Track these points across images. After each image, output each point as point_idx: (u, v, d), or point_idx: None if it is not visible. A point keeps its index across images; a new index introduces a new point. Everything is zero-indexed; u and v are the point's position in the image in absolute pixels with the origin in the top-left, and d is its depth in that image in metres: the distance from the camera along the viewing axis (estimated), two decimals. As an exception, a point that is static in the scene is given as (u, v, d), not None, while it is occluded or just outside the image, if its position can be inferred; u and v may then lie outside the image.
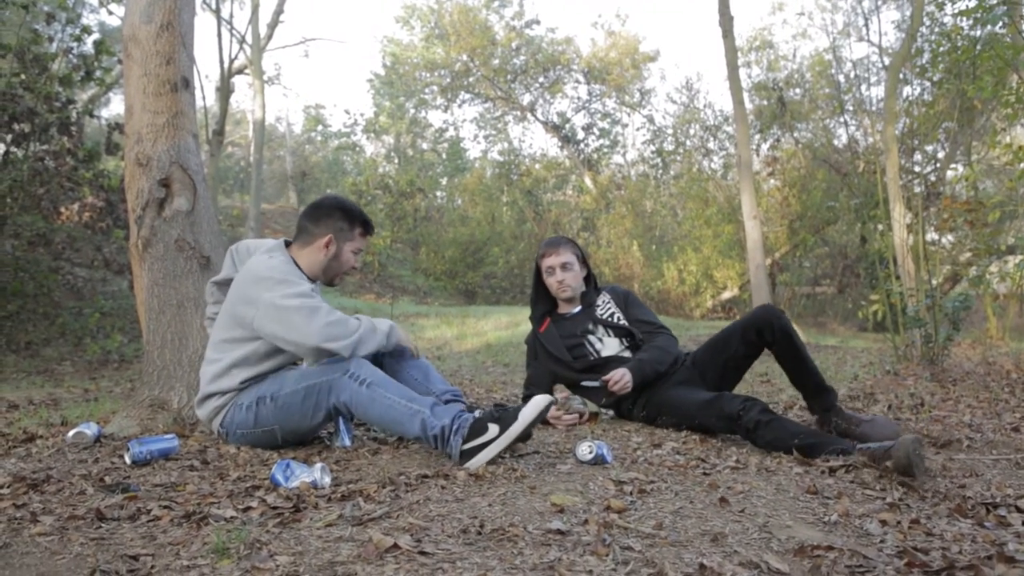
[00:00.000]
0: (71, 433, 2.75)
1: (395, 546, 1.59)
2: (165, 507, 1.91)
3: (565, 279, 3.37)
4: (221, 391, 2.67)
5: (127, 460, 2.41)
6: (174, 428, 2.90)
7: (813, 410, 3.05)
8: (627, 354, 3.31)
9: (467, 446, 2.32)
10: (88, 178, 8.00)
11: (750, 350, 3.16)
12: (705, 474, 2.33)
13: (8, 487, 2.12)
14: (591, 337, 3.36)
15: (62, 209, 8.23)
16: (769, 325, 3.02)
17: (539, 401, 2.36)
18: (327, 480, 2.10)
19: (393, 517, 1.82)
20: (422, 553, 1.57)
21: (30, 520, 1.84)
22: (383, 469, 2.35)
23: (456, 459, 2.34)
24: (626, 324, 3.38)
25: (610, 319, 3.38)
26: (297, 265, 2.75)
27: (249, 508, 1.89)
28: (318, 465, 2.15)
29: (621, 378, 3.05)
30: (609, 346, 3.34)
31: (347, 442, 2.72)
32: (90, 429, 2.75)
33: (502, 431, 2.31)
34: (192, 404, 3.05)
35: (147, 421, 2.98)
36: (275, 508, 1.88)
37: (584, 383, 3.26)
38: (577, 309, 3.47)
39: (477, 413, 2.40)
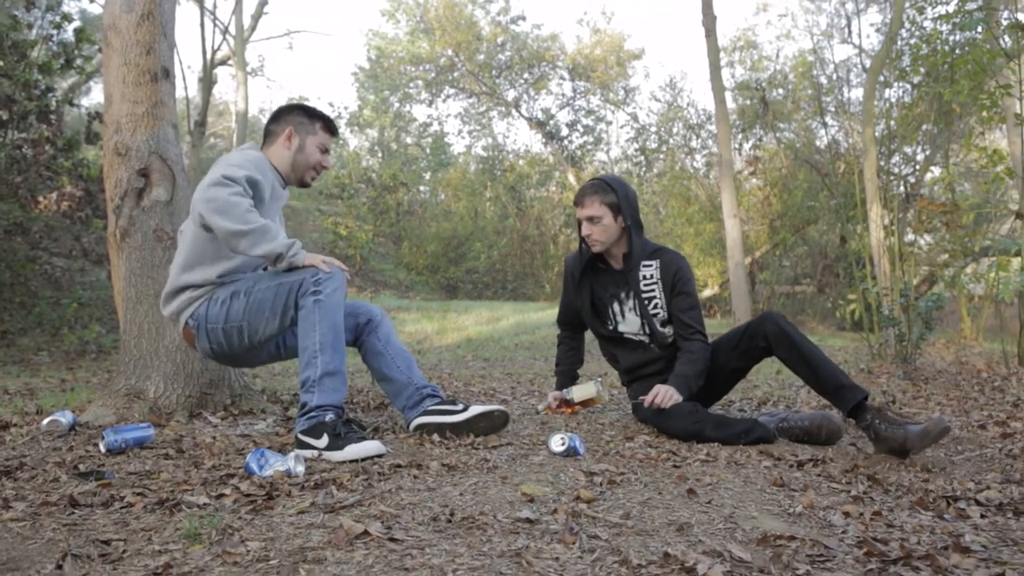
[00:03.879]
0: (45, 421, 2.75)
1: (365, 532, 1.61)
2: (139, 494, 1.92)
3: (592, 233, 3.01)
4: (196, 284, 2.68)
5: (102, 448, 2.42)
6: (150, 417, 2.91)
7: (843, 413, 2.81)
8: (643, 339, 3.07)
9: (302, 437, 2.43)
10: (67, 167, 7.94)
11: (742, 361, 3.03)
12: (675, 466, 2.37)
13: (-19, 474, 2.13)
14: (615, 305, 3.10)
15: (40, 198, 8.16)
16: (760, 330, 2.88)
17: (370, 447, 2.38)
18: (301, 469, 2.12)
19: (365, 505, 1.84)
20: (392, 540, 1.60)
21: (2, 506, 1.85)
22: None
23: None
24: (656, 318, 3.04)
25: (646, 303, 3.04)
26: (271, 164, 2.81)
27: (222, 495, 1.91)
28: (292, 454, 2.17)
29: (664, 394, 2.78)
30: (629, 323, 3.09)
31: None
32: (65, 417, 2.76)
33: (326, 449, 2.38)
34: (168, 393, 3.06)
35: (123, 410, 2.98)
36: (248, 495, 1.90)
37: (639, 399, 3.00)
38: (619, 267, 3.11)
39: (329, 417, 2.44)
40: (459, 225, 17.64)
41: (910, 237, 10.73)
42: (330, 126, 2.91)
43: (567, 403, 3.23)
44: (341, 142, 25.19)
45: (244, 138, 16.43)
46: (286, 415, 3.20)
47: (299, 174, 2.86)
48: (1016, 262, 6.91)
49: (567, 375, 3.36)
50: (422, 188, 22.02)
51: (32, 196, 7.87)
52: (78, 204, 8.22)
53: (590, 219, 2.99)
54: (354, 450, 2.35)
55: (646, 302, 3.03)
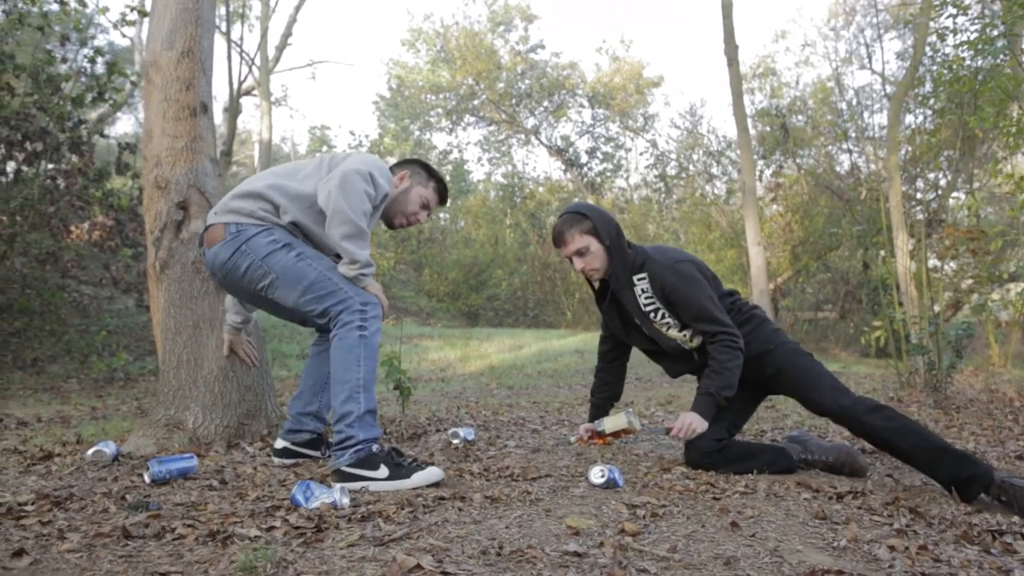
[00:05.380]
0: (90, 451, 2.79)
1: (418, 566, 1.63)
2: (189, 526, 1.95)
3: (586, 266, 2.88)
4: (274, 203, 2.68)
5: (146, 479, 2.45)
6: (190, 448, 2.94)
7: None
8: (685, 338, 2.91)
9: (351, 470, 2.43)
10: (98, 197, 8.07)
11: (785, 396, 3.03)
12: (715, 498, 2.37)
13: (32, 504, 2.16)
14: (636, 321, 2.98)
15: (72, 228, 8.29)
16: (832, 418, 2.75)
17: (434, 474, 2.43)
18: (346, 501, 2.14)
19: (413, 538, 1.86)
20: (444, 574, 1.61)
21: (57, 537, 1.88)
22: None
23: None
24: (670, 328, 2.91)
25: (652, 315, 2.90)
26: None
27: (272, 528, 1.93)
28: (338, 486, 2.19)
29: (687, 425, 2.73)
30: (650, 333, 2.97)
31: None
32: (108, 448, 2.80)
33: (388, 479, 2.40)
34: (207, 424, 3.10)
35: (163, 440, 3.02)
36: (297, 528, 1.92)
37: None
38: (623, 288, 2.94)
39: (376, 448, 2.47)
40: (480, 252, 17.72)
41: (934, 263, 10.67)
42: (442, 192, 3.01)
43: (599, 435, 3.23)
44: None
45: (268, 166, 16.63)
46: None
47: (391, 213, 2.92)
48: (1045, 288, 6.85)
49: (600, 407, 3.32)
50: (442, 215, 22.13)
51: (64, 226, 8.00)
52: (108, 234, 8.34)
53: (579, 253, 2.87)
54: (420, 477, 2.40)
55: (652, 314, 2.90)
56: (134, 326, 9.13)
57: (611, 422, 3.20)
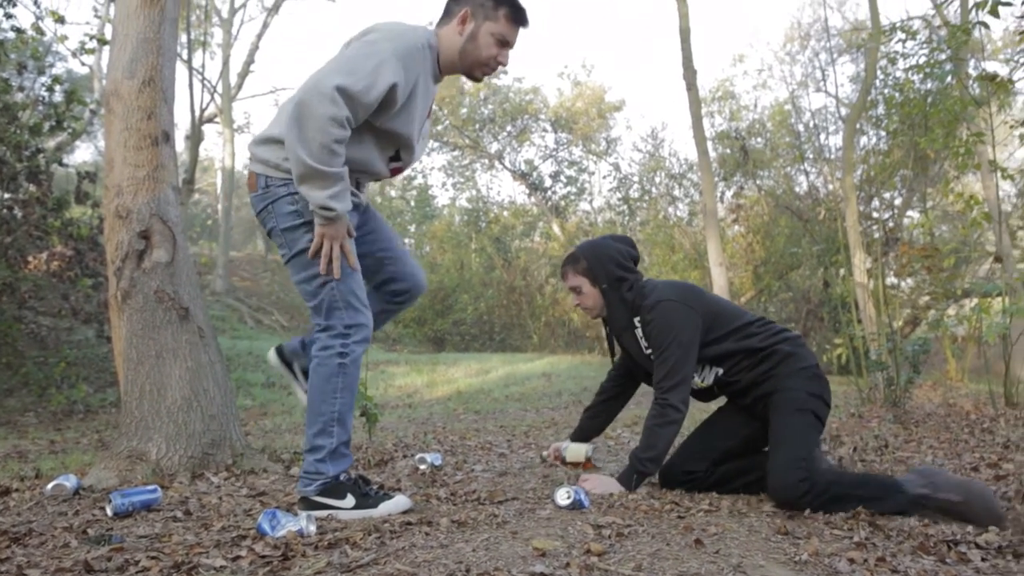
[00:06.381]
0: (50, 485, 2.75)
1: (385, 591, 1.63)
2: (153, 558, 1.92)
3: (580, 304, 2.96)
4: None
5: (109, 512, 2.42)
6: (154, 479, 2.91)
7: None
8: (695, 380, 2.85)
9: (319, 499, 2.39)
10: (57, 227, 7.95)
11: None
12: (680, 517, 2.40)
13: (-10, 541, 2.12)
14: (640, 362, 2.94)
15: (30, 258, 8.16)
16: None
17: (401, 503, 2.42)
18: (312, 529, 2.13)
19: (380, 564, 1.86)
20: (411, 598, 1.62)
21: (16, 573, 1.85)
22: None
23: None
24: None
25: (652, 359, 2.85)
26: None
27: (238, 557, 1.92)
28: (303, 514, 2.18)
29: (595, 488, 2.70)
30: None
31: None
32: (69, 481, 2.76)
33: (354, 508, 2.37)
34: (170, 455, 3.07)
35: (125, 472, 2.98)
36: (264, 557, 1.91)
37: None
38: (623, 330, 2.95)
39: (342, 476, 2.42)
40: (445, 277, 17.70)
41: (891, 280, 10.90)
42: (517, 15, 2.43)
43: (561, 459, 3.25)
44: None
45: (230, 195, 16.50)
46: (288, 474, 3.21)
47: (466, 66, 2.47)
48: (997, 303, 7.04)
49: (583, 430, 3.25)
50: (408, 241, 22.12)
51: (21, 256, 7.86)
52: (68, 264, 8.21)
53: (573, 290, 2.96)
54: (387, 507, 2.38)
55: (651, 356, 2.83)
56: (94, 357, 8.98)
57: (573, 453, 3.21)
